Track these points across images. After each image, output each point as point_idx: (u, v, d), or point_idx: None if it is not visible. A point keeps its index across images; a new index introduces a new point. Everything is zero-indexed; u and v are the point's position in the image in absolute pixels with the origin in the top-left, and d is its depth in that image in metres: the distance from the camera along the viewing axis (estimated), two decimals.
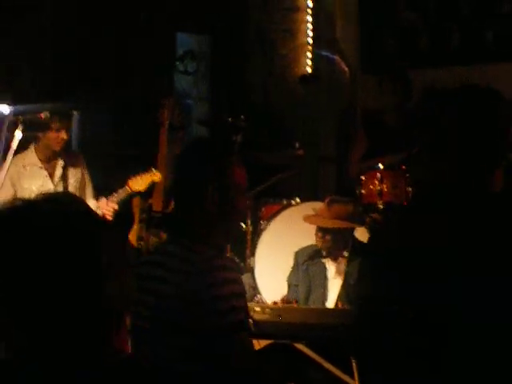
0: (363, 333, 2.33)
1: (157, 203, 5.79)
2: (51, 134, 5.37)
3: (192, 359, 2.39)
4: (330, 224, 4.63)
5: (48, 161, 5.52)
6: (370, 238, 4.07)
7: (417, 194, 4.20)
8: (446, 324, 2.13)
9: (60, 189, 5.43)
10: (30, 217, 1.48)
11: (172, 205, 5.83)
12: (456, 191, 2.26)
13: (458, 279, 2.12)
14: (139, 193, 5.45)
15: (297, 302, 4.48)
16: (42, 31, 6.68)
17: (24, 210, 1.49)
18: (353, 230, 4.77)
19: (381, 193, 5.55)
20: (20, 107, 5.99)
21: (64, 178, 5.53)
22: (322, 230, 4.65)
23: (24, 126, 5.30)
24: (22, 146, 5.47)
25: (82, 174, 5.64)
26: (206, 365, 2.38)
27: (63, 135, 5.37)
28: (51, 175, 5.51)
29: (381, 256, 2.33)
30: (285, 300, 4.54)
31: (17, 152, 5.23)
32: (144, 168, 5.51)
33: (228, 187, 2.55)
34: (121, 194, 5.42)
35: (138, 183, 5.41)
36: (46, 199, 1.53)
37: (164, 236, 5.70)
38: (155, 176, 5.46)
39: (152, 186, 5.83)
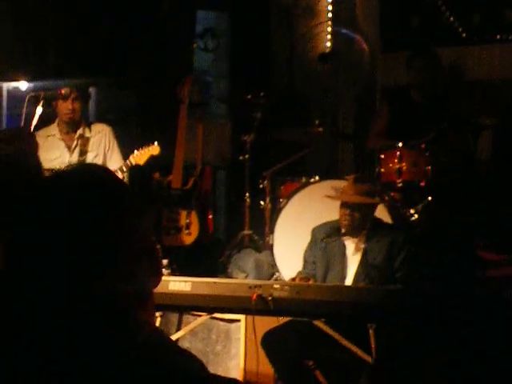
0: None
1: (176, 180, 5.81)
2: (60, 103, 5.52)
3: None
4: (357, 199, 4.56)
5: (68, 133, 5.63)
6: None
7: None
8: None
9: (76, 160, 5.52)
10: (59, 187, 1.49)
11: (191, 182, 5.90)
12: None
13: None
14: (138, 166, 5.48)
15: (312, 278, 4.46)
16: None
17: (52, 181, 1.50)
18: (376, 206, 4.71)
19: (400, 171, 5.54)
20: (39, 83, 6.10)
21: (82, 149, 5.59)
22: (346, 206, 4.57)
23: (44, 102, 5.41)
24: (49, 120, 5.64)
25: (106, 146, 5.68)
26: None
27: (70, 104, 5.49)
28: (69, 147, 5.60)
29: None
30: (300, 275, 4.51)
31: (41, 126, 5.42)
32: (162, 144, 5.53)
33: None
34: (123, 168, 5.47)
35: (138, 157, 5.45)
36: (73, 169, 1.53)
37: (182, 212, 5.73)
38: (154, 150, 5.46)
39: (171, 163, 5.85)
